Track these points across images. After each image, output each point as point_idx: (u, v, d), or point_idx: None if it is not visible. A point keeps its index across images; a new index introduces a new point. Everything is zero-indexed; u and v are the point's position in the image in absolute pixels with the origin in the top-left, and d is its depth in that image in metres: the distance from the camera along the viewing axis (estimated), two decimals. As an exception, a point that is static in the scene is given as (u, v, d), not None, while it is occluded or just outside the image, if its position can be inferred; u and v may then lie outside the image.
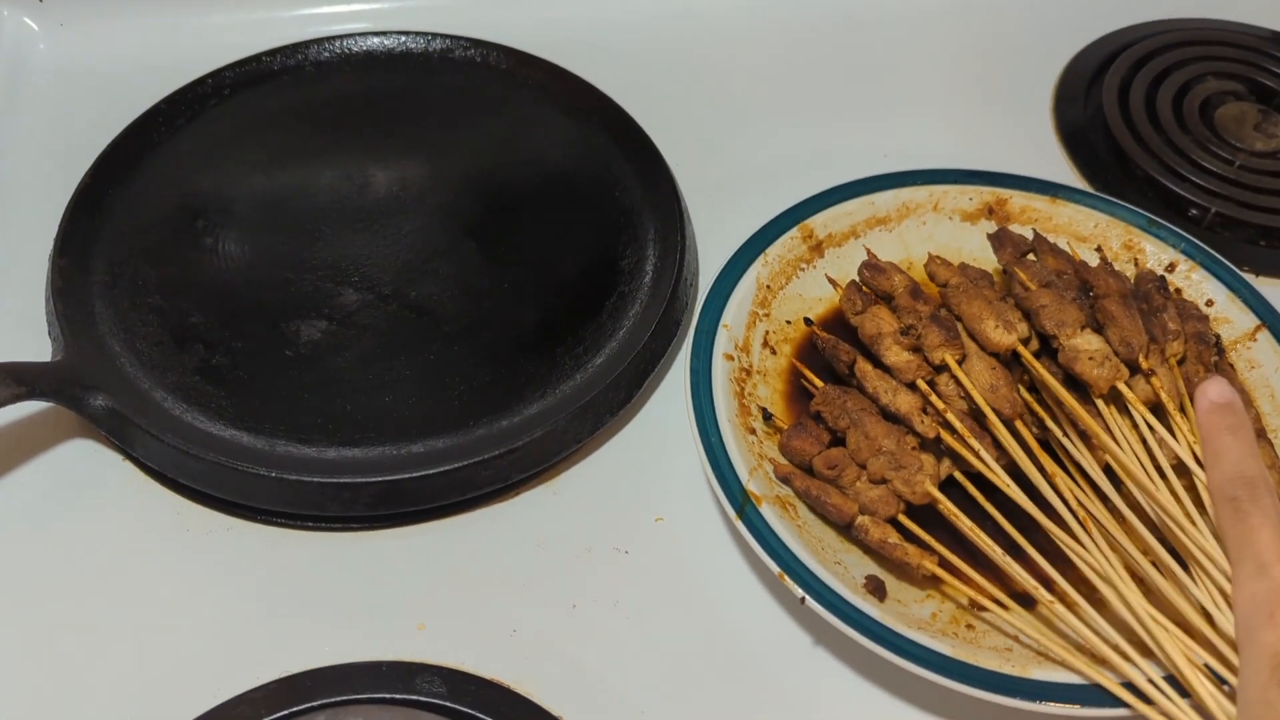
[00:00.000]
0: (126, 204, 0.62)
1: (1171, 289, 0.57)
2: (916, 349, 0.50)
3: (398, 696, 0.46)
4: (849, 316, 0.53)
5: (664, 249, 0.60)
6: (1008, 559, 0.46)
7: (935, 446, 0.49)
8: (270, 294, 0.59)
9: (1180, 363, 0.51)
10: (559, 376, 0.55)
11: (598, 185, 0.64)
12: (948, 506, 0.47)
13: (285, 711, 0.45)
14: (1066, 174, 0.69)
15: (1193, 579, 0.44)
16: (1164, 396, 0.49)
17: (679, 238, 0.60)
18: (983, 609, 0.47)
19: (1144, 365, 0.49)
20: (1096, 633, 0.44)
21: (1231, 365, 0.55)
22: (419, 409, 0.54)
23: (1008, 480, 0.47)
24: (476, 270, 0.60)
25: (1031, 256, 0.55)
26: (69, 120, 0.70)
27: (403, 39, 0.71)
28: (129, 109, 0.66)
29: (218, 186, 0.64)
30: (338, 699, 0.45)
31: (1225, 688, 0.42)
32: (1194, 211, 0.67)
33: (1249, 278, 0.58)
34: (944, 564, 0.47)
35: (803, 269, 0.59)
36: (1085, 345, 0.49)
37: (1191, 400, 0.48)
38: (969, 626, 0.47)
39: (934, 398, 0.49)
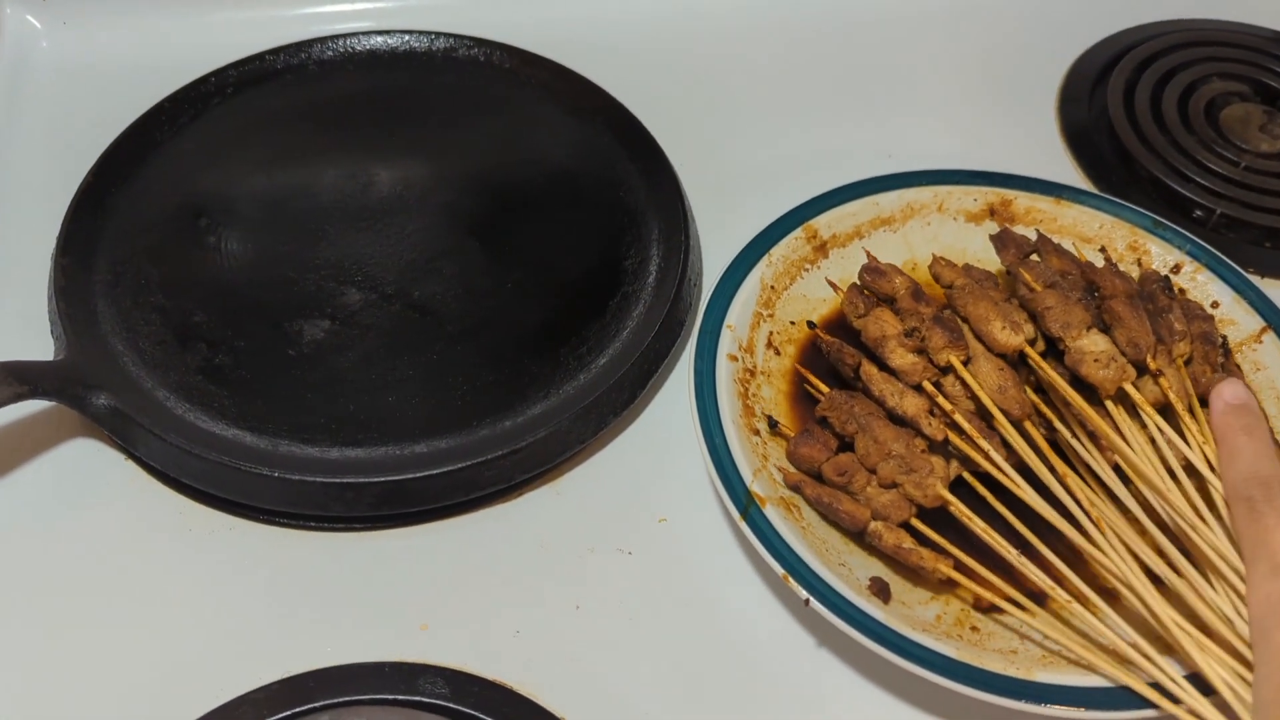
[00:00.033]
0: (129, 203, 0.62)
1: (1176, 290, 0.56)
2: (921, 351, 0.50)
3: (400, 697, 0.46)
4: (851, 320, 0.53)
5: (668, 249, 0.60)
6: (1023, 559, 0.46)
7: (943, 448, 0.49)
8: (273, 293, 0.59)
9: (1187, 363, 0.51)
10: (562, 377, 0.55)
11: (601, 185, 0.64)
12: (960, 509, 0.47)
13: (288, 712, 0.45)
14: (1071, 175, 0.69)
15: (1207, 580, 0.44)
16: (1173, 397, 0.49)
17: (683, 238, 0.60)
18: (997, 610, 0.47)
19: (1152, 366, 0.49)
20: (1116, 632, 0.44)
21: (1238, 366, 0.55)
22: (422, 409, 0.54)
23: (1019, 481, 0.47)
24: (480, 270, 0.60)
25: (1035, 257, 0.55)
26: (72, 118, 0.70)
27: (406, 38, 0.71)
28: (132, 107, 0.66)
29: (221, 185, 0.64)
30: (340, 700, 0.45)
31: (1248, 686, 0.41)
32: (1199, 213, 0.67)
33: (1254, 279, 0.58)
34: (958, 566, 0.47)
35: (807, 269, 0.59)
36: (1091, 347, 0.49)
37: (1201, 402, 0.48)
38: (974, 629, 0.47)
39: (941, 399, 0.49)
